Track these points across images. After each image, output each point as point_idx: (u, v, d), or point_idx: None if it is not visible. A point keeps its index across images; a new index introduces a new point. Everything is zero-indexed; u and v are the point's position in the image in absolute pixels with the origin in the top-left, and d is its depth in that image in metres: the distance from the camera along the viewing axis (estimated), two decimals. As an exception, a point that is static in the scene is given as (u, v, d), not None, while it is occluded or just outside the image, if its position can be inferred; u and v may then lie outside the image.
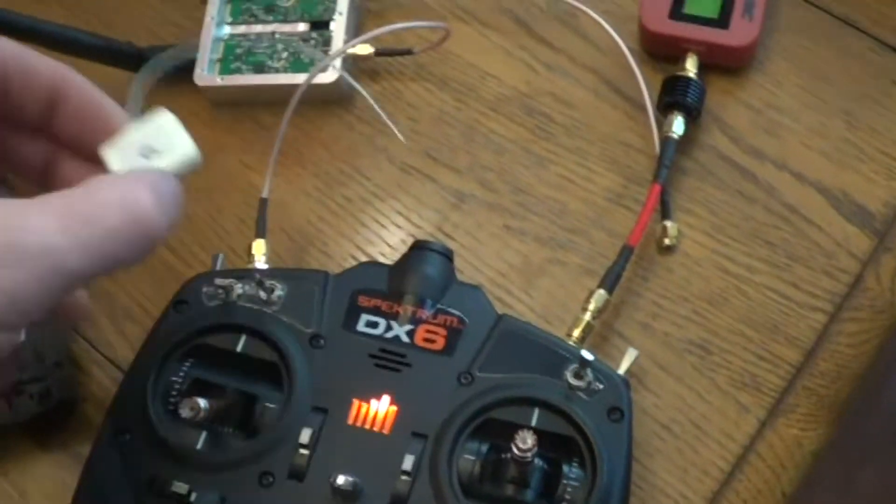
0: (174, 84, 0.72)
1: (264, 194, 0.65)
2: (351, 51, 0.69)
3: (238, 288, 0.60)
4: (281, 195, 0.68)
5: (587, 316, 0.60)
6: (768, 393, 0.61)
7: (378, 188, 0.68)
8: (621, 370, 0.58)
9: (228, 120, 0.71)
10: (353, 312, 0.60)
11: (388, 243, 0.66)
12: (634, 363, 0.59)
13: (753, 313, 0.62)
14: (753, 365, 0.61)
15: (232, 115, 0.71)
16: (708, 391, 0.61)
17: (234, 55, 0.71)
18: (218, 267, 0.63)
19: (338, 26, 0.70)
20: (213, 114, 0.71)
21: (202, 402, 0.57)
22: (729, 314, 0.62)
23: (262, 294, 0.60)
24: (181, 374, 0.59)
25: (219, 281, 0.60)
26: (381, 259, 0.66)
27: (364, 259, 0.66)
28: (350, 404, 0.57)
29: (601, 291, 0.61)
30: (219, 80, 0.70)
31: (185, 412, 0.57)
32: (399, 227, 0.67)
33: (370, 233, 0.67)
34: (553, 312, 0.64)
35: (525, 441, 0.53)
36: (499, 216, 0.66)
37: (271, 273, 0.61)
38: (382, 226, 0.67)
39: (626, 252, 0.62)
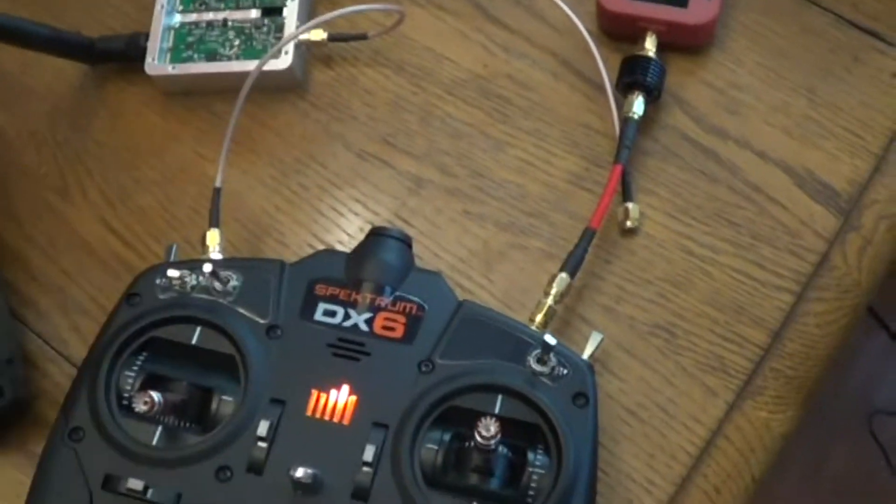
0: (125, 73, 0.71)
1: (217, 183, 0.63)
2: (304, 36, 0.67)
3: (192, 279, 0.59)
4: (235, 185, 0.66)
5: (549, 300, 0.59)
6: (735, 375, 0.60)
7: (334, 175, 0.67)
8: (585, 355, 0.57)
9: (181, 110, 0.70)
10: (311, 301, 0.58)
11: (345, 231, 0.65)
12: (599, 348, 0.57)
13: (718, 294, 0.61)
14: (720, 347, 0.60)
15: (185, 105, 0.70)
16: (674, 375, 0.60)
17: (185, 43, 0.69)
18: (172, 258, 0.61)
19: (290, 12, 0.68)
20: (165, 103, 0.70)
21: (156, 396, 0.55)
22: (694, 296, 0.61)
23: (217, 285, 0.59)
24: (135, 368, 0.58)
25: (171, 272, 0.58)
26: (340, 247, 0.64)
27: (322, 248, 0.65)
28: (309, 395, 0.56)
29: (563, 275, 0.60)
30: (170, 69, 0.68)
31: (139, 406, 0.55)
32: (356, 214, 0.65)
33: (327, 221, 0.65)
34: (515, 298, 0.62)
35: (488, 429, 0.52)
36: (458, 201, 0.65)
37: (226, 263, 0.60)
38: (340, 213, 0.65)
39: (587, 235, 0.60)
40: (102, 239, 0.67)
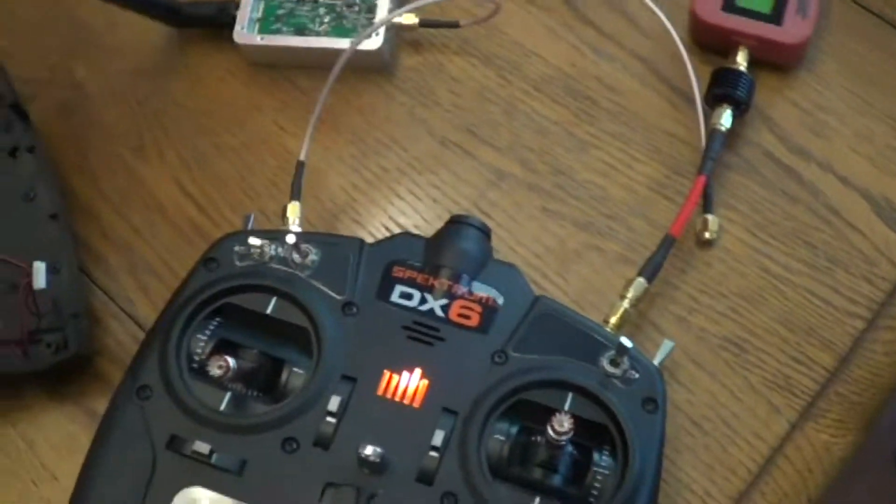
0: (212, 40, 0.71)
1: (301, 157, 0.63)
2: (395, 20, 0.67)
3: (271, 249, 0.59)
4: (316, 161, 0.66)
5: (625, 303, 0.59)
6: (800, 395, 0.60)
7: (415, 160, 0.67)
8: (656, 361, 0.57)
9: (265, 80, 0.70)
10: (388, 283, 0.58)
11: (423, 216, 0.65)
12: (669, 356, 0.58)
13: (790, 314, 0.61)
14: (787, 367, 0.60)
15: (269, 76, 0.70)
16: (740, 390, 0.60)
17: (274, 16, 0.69)
18: (249, 228, 0.61)
19: (384, -6, 0.69)
20: (249, 73, 0.70)
21: (231, 361, 0.55)
22: (766, 313, 0.62)
23: (296, 257, 0.59)
24: (207, 332, 0.58)
25: (253, 240, 0.58)
26: (416, 232, 0.64)
27: (397, 230, 0.65)
28: (381, 375, 0.56)
29: (640, 280, 0.60)
30: (258, 39, 0.68)
31: (213, 370, 0.55)
32: (435, 201, 0.65)
33: (405, 205, 0.65)
34: (587, 298, 0.63)
35: (562, 424, 0.52)
36: (537, 197, 0.65)
37: (306, 236, 0.59)
38: (418, 198, 0.66)
39: (667, 242, 0.61)
40: (176, 201, 0.67)
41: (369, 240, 0.61)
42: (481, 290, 0.58)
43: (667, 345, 0.58)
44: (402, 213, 0.65)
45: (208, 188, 0.67)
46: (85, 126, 0.70)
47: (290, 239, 0.58)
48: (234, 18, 0.69)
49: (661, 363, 0.57)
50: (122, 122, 0.70)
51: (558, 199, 0.65)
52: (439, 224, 0.62)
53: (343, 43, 0.66)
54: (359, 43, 0.64)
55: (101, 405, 0.62)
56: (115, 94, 0.71)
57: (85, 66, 0.72)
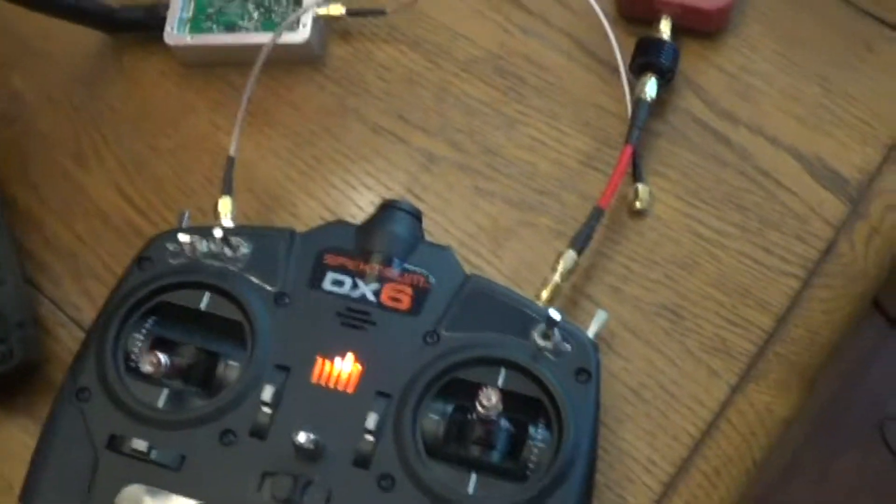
0: (144, 43, 0.71)
1: (231, 152, 0.63)
2: (322, 11, 0.68)
3: (202, 245, 0.59)
4: (249, 155, 0.67)
5: (556, 277, 0.60)
6: (739, 358, 0.60)
7: (348, 149, 0.67)
8: (590, 333, 0.57)
9: (199, 80, 0.70)
10: (319, 271, 0.59)
11: (357, 204, 0.66)
12: (604, 326, 0.58)
13: (725, 278, 0.62)
14: (725, 330, 0.61)
15: (202, 76, 0.70)
16: (678, 356, 0.60)
17: (204, 14, 0.70)
18: (184, 225, 0.62)
19: (310, -15, 0.69)
20: (183, 74, 0.70)
21: (163, 358, 0.56)
22: (700, 278, 0.62)
23: (227, 251, 0.59)
24: (143, 331, 0.58)
25: (183, 237, 0.59)
26: (351, 220, 0.64)
27: (333, 220, 0.65)
28: (314, 362, 0.56)
29: (570, 252, 0.60)
30: (189, 40, 0.69)
31: (145, 367, 0.56)
32: (369, 188, 0.66)
33: (339, 194, 0.66)
34: (522, 275, 0.63)
35: (489, 398, 0.53)
36: (469, 178, 0.65)
37: (237, 230, 0.60)
38: (352, 187, 0.66)
39: (596, 214, 0.61)
40: (117, 206, 0.68)
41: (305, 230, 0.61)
42: (412, 273, 0.58)
43: (600, 315, 0.58)
44: (337, 202, 0.66)
45: (147, 191, 0.68)
46: (24, 135, 0.70)
47: (217, 233, 0.58)
48: (164, 20, 0.69)
49: (596, 334, 0.57)
50: (60, 130, 0.70)
51: (489, 177, 0.65)
52: (372, 210, 0.62)
53: (265, 37, 0.67)
54: (279, 35, 0.65)
55: (50, 411, 0.63)
56: (52, 101, 0.71)
57: (21, 76, 0.72)
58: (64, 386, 0.57)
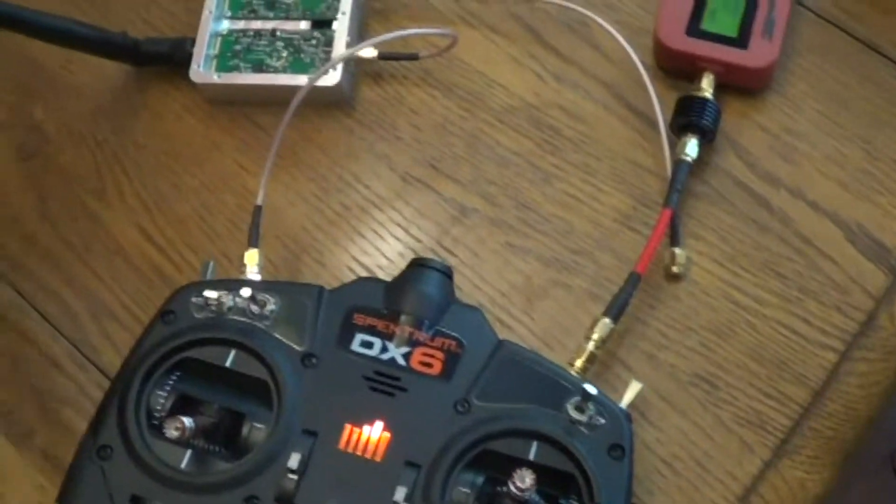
0: (169, 77, 0.69)
1: (259, 201, 0.62)
2: (354, 53, 0.66)
3: (229, 300, 0.58)
4: (276, 200, 0.65)
5: (590, 345, 0.58)
6: (774, 432, 0.59)
7: (377, 197, 0.65)
8: (624, 403, 0.56)
9: (224, 118, 0.68)
10: (348, 331, 0.57)
11: (385, 255, 0.64)
12: (637, 397, 0.56)
13: (762, 348, 0.60)
14: (760, 402, 0.59)
15: (228, 114, 0.68)
16: (712, 428, 0.59)
17: (231, 51, 0.68)
18: (208, 275, 0.60)
19: (341, 26, 0.67)
20: (208, 111, 0.69)
21: (188, 422, 0.55)
22: (737, 347, 0.60)
23: (254, 308, 0.58)
24: (166, 388, 0.57)
25: (209, 293, 0.57)
26: (379, 272, 0.63)
27: (361, 271, 0.64)
28: (342, 428, 0.55)
29: (606, 320, 0.59)
30: (216, 78, 0.67)
31: (170, 432, 0.54)
32: (398, 238, 0.64)
33: (367, 244, 0.64)
34: (554, 336, 0.61)
35: (523, 480, 0.51)
36: (501, 233, 0.64)
37: (264, 286, 0.58)
38: (380, 237, 0.64)
39: (633, 280, 0.59)
40: (138, 245, 0.66)
41: (332, 281, 0.60)
42: (443, 336, 0.57)
43: (635, 385, 0.57)
44: (365, 252, 0.64)
45: (168, 230, 0.66)
46: (44, 169, 0.69)
47: (245, 292, 0.57)
48: (190, 56, 0.67)
49: (629, 405, 0.56)
50: (82, 164, 0.68)
51: (522, 233, 0.63)
52: (403, 263, 0.61)
53: (301, 79, 0.65)
54: (315, 80, 0.63)
55: (68, 456, 0.61)
56: (73, 135, 0.69)
57: (43, 107, 0.71)
58: (85, 441, 0.56)
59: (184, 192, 0.67)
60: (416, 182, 0.65)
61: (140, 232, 0.66)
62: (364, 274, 0.63)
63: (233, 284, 0.58)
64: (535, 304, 0.62)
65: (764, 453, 0.59)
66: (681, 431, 0.59)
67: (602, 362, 0.60)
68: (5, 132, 0.70)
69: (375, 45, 0.64)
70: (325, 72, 0.64)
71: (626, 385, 0.57)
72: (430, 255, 0.63)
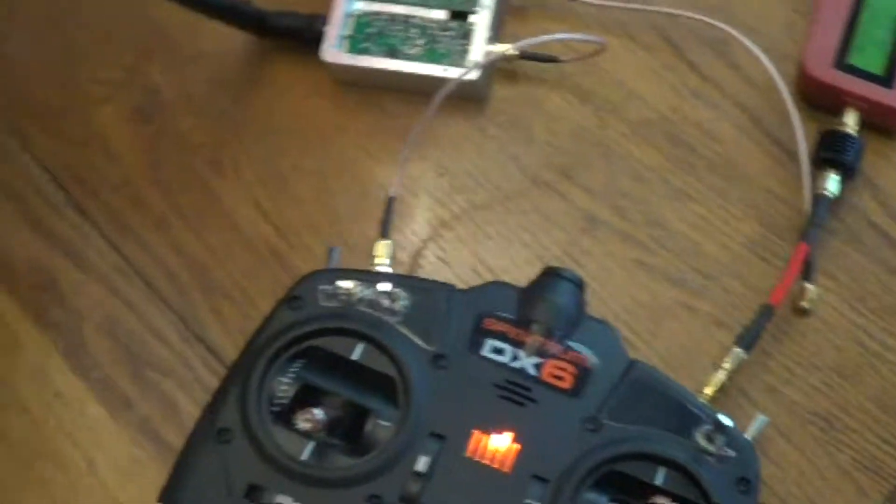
0: (296, 53, 0.67)
1: (392, 192, 0.61)
2: (490, 48, 0.65)
3: (360, 291, 0.57)
4: (401, 190, 0.64)
5: (722, 375, 0.58)
6: (889, 479, 0.58)
7: (506, 198, 0.64)
8: (748, 436, 0.55)
9: (351, 101, 0.67)
10: (479, 335, 0.56)
11: (512, 259, 0.63)
12: (762, 431, 0.56)
13: (885, 394, 0.60)
14: (878, 448, 0.59)
15: (356, 97, 0.67)
16: (828, 468, 0.58)
17: (364, 34, 0.66)
18: (334, 263, 0.59)
19: (481, 20, 0.65)
20: (335, 92, 0.67)
21: (320, 415, 0.54)
22: (860, 390, 0.60)
23: (386, 302, 0.56)
24: (290, 375, 0.55)
25: (345, 284, 0.56)
26: (504, 276, 0.62)
27: (485, 273, 0.62)
28: (470, 435, 0.54)
29: (738, 351, 0.58)
30: (348, 59, 0.65)
31: (301, 425, 0.54)
32: (525, 244, 0.63)
33: (493, 245, 0.63)
34: (678, 360, 0.60)
35: (659, 509, 0.51)
36: (631, 248, 0.63)
37: (396, 279, 0.57)
38: (507, 240, 0.63)
39: (766, 312, 0.59)
40: (253, 223, 0.64)
41: (455, 280, 0.59)
42: (575, 350, 0.56)
43: (760, 419, 0.56)
44: (490, 253, 0.63)
45: (286, 210, 0.64)
46: (160, 135, 0.67)
47: (385, 286, 0.56)
48: (321, 34, 0.66)
49: (753, 438, 0.56)
50: (199, 134, 0.67)
51: (652, 251, 0.62)
52: (528, 268, 0.60)
53: (436, 69, 0.64)
54: (463, 76, 0.62)
55: (166, 430, 0.61)
56: (192, 103, 0.68)
57: (161, 71, 0.69)
58: (202, 421, 0.55)
59: (304, 172, 0.65)
60: (547, 187, 0.64)
61: (256, 209, 0.65)
62: (488, 276, 0.62)
63: (365, 276, 0.57)
64: (660, 325, 0.61)
65: (877, 499, 0.58)
66: (798, 469, 0.58)
67: (723, 390, 0.59)
68: (121, 92, 0.68)
69: (521, 47, 0.63)
70: (477, 68, 0.63)
71: (745, 414, 0.56)
72: (556, 264, 0.61)
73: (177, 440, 0.57)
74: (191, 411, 0.61)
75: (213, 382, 0.58)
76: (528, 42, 0.61)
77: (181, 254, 0.64)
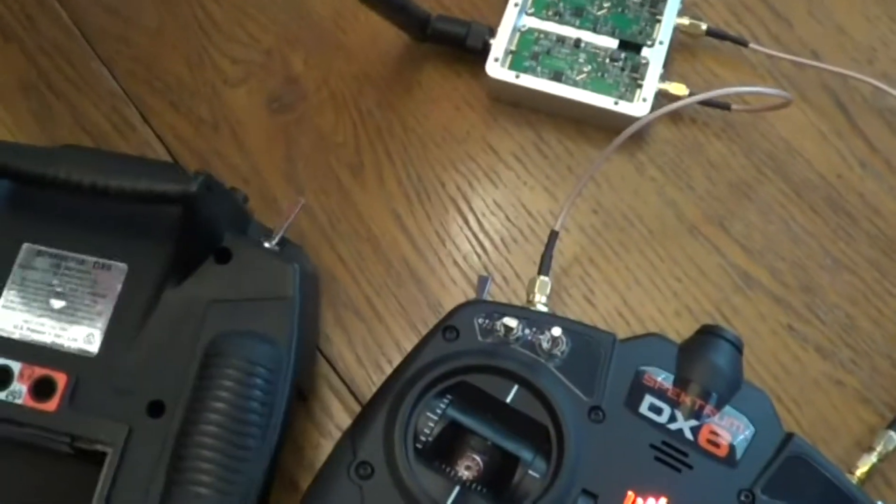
0: (452, 62, 0.64)
1: (556, 226, 0.58)
2: (662, 86, 0.62)
3: (518, 329, 0.54)
4: (552, 222, 0.60)
5: (874, 457, 0.56)
6: None
7: (659, 244, 0.62)
8: (890, 523, 0.54)
9: (506, 119, 0.64)
10: (638, 390, 0.53)
11: (660, 309, 0.60)
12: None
13: None
14: None
15: (510, 116, 0.64)
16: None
17: (529, 52, 0.63)
18: (485, 293, 0.56)
19: (655, 56, 0.63)
20: (490, 108, 0.64)
21: (481, 461, 0.51)
22: None
23: (546, 344, 0.53)
24: (438, 411, 0.52)
25: (509, 321, 0.53)
26: (651, 326, 0.59)
27: (632, 320, 0.60)
28: (623, 496, 0.51)
29: (892, 434, 0.56)
30: (514, 78, 0.62)
31: (462, 471, 0.51)
32: (675, 294, 0.60)
33: (642, 291, 0.61)
34: (818, 433, 0.58)
35: None
36: (784, 313, 0.60)
37: (560, 322, 0.54)
38: (657, 287, 0.61)
39: (923, 398, 0.57)
40: (391, 235, 0.61)
41: (599, 323, 0.56)
42: (731, 416, 0.54)
43: (902, 507, 0.55)
44: (637, 299, 0.60)
45: (427, 227, 0.61)
46: (297, 128, 0.64)
47: (556, 331, 0.53)
48: (485, 46, 0.62)
49: (894, 526, 0.54)
50: (340, 133, 0.63)
51: (805, 319, 0.60)
52: (675, 320, 0.58)
53: (606, 101, 0.61)
54: (653, 118, 0.59)
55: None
56: (335, 98, 0.64)
57: (304, 61, 0.65)
58: (341, 453, 0.51)
59: (450, 188, 0.62)
60: (703, 239, 0.62)
61: (396, 222, 0.62)
62: (633, 322, 0.60)
63: (526, 313, 0.54)
64: (807, 396, 0.59)
65: None
66: (934, 560, 0.57)
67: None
68: (258, 76, 0.65)
69: (705, 99, 0.60)
70: (632, 97, 0.60)
71: (882, 497, 0.55)
72: (706, 319, 0.59)
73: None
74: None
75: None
76: (713, 94, 0.59)
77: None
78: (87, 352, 0.53)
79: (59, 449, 0.52)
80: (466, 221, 0.62)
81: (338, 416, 0.58)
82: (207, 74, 0.65)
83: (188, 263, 0.54)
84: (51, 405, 0.52)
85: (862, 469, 0.56)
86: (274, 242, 0.55)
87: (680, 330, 0.59)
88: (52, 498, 0.54)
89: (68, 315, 0.54)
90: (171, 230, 0.54)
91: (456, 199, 0.62)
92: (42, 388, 0.53)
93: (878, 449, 0.56)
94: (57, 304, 0.54)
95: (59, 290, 0.54)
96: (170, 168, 0.59)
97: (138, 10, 0.67)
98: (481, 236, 0.61)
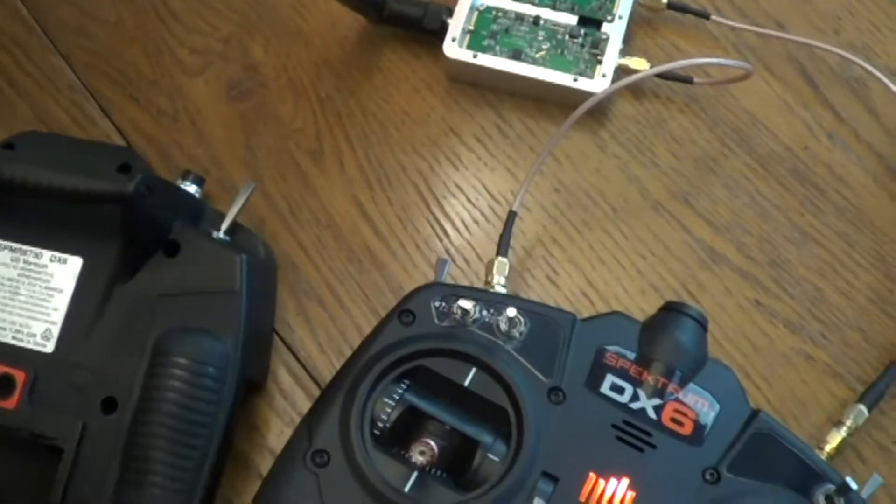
0: (409, 44, 0.64)
1: (515, 206, 0.57)
2: (623, 61, 0.61)
3: (476, 312, 0.53)
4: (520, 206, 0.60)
5: (843, 432, 0.55)
6: None
7: (622, 222, 0.61)
8: (863, 496, 0.53)
9: (466, 101, 0.63)
10: (599, 370, 0.53)
11: (624, 287, 0.59)
12: (875, 491, 0.53)
13: None
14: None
15: (470, 97, 0.63)
16: (941, 535, 0.56)
17: (488, 31, 0.62)
18: (443, 276, 0.55)
19: (615, 31, 0.62)
20: (449, 89, 0.63)
21: (435, 447, 0.50)
22: None
23: (504, 326, 0.53)
24: (395, 396, 0.52)
25: (465, 303, 0.52)
26: (615, 304, 0.59)
27: (596, 298, 0.59)
28: (585, 478, 0.50)
29: (861, 408, 0.55)
30: (471, 57, 0.61)
31: (416, 457, 0.50)
32: (640, 273, 0.60)
33: (606, 270, 0.60)
34: (789, 409, 0.58)
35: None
36: (751, 288, 0.60)
37: (517, 303, 0.54)
38: (621, 265, 0.60)
39: (893, 371, 0.56)
40: (352, 222, 0.61)
41: (563, 303, 0.55)
42: (696, 394, 0.53)
43: (875, 480, 0.53)
44: (602, 279, 0.59)
45: (389, 212, 0.61)
46: (257, 115, 0.63)
47: (511, 312, 0.52)
48: (443, 26, 0.62)
49: (867, 498, 0.53)
50: (300, 119, 0.63)
51: (772, 294, 0.59)
52: (640, 298, 0.57)
53: (565, 78, 0.60)
54: (609, 93, 0.58)
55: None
56: (294, 84, 0.64)
57: (263, 47, 0.65)
58: (297, 441, 0.51)
59: (411, 173, 0.61)
60: (668, 215, 0.61)
61: (357, 208, 0.61)
62: (598, 301, 0.59)
63: (484, 295, 0.53)
64: (775, 371, 0.58)
65: None
66: (908, 534, 0.56)
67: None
68: (217, 64, 0.64)
69: (663, 71, 0.59)
70: (591, 75, 0.59)
71: (853, 471, 0.54)
72: (672, 297, 0.58)
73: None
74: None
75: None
76: (671, 66, 0.57)
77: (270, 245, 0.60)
78: (45, 348, 0.53)
79: (22, 445, 0.53)
80: (427, 205, 0.61)
81: (300, 403, 0.57)
82: (166, 65, 0.64)
83: (137, 258, 0.53)
84: (10, 403, 0.52)
85: (831, 444, 0.55)
86: (223, 231, 0.55)
87: (645, 308, 0.58)
88: (16, 493, 0.54)
89: (27, 311, 0.54)
90: (120, 225, 0.54)
91: (417, 182, 0.61)
92: (2, 387, 0.53)
93: (848, 423, 0.55)
94: (15, 299, 0.54)
95: (17, 284, 0.54)
96: (125, 153, 0.59)
97: (97, 3, 0.67)
98: (442, 219, 0.61)
